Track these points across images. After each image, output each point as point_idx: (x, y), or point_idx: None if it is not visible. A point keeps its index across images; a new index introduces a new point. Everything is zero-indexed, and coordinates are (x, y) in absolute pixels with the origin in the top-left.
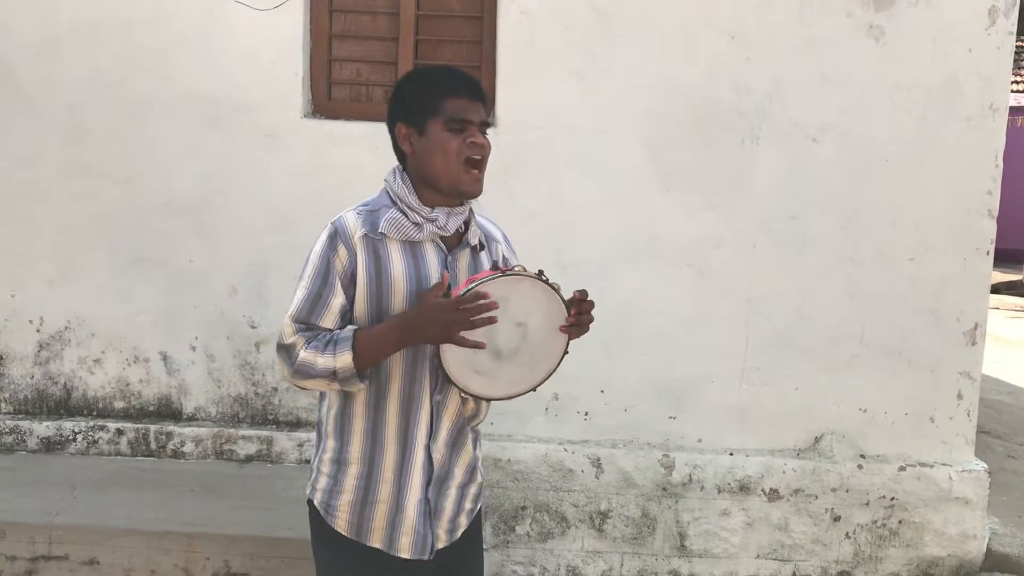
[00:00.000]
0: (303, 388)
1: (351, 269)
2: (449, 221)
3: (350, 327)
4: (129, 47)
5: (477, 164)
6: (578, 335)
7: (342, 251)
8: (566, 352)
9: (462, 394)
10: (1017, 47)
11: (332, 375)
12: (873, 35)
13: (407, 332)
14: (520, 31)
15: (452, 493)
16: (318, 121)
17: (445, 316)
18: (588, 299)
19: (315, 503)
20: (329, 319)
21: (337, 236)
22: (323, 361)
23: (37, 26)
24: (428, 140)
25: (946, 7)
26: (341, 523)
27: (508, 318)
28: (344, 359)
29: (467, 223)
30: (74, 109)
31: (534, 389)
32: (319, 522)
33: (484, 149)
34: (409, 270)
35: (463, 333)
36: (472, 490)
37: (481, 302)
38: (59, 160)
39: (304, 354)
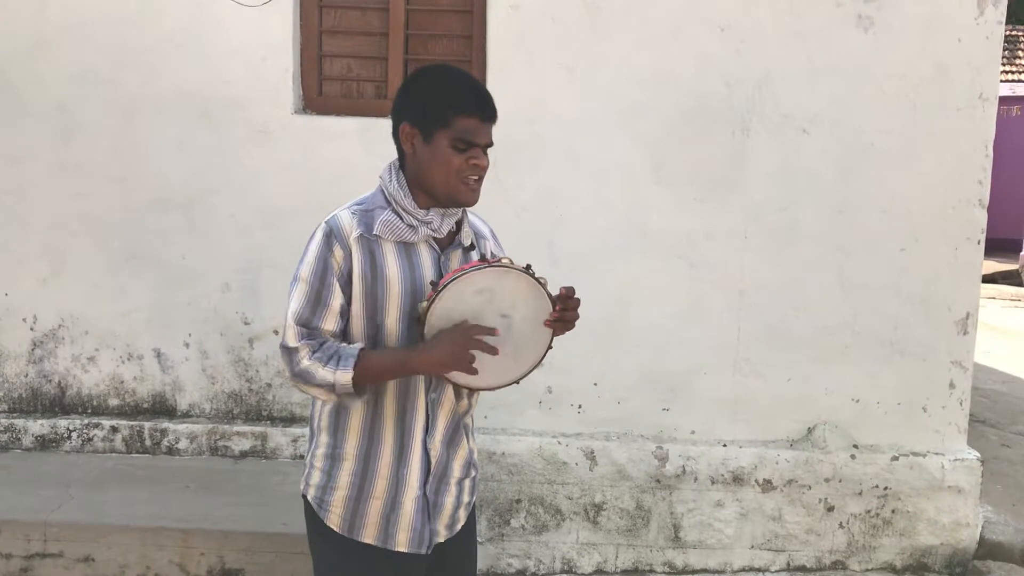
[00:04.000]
0: (301, 391)
1: (347, 268)
2: (443, 223)
3: (357, 344)
4: (119, 45)
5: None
6: (563, 331)
7: (338, 251)
8: (550, 346)
9: (448, 382)
10: (1006, 36)
11: (330, 387)
12: (863, 25)
13: (413, 358)
14: (510, 25)
15: (452, 489)
16: (309, 117)
17: (456, 337)
18: (574, 296)
19: (309, 498)
20: (330, 320)
21: (332, 235)
22: (323, 374)
23: (27, 25)
24: (432, 150)
25: None
26: (334, 519)
27: (493, 309)
28: (344, 376)
29: (459, 223)
30: (65, 107)
31: (517, 381)
32: (313, 517)
33: (484, 170)
34: (404, 270)
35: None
36: (469, 484)
37: (488, 338)
38: (51, 158)
39: (307, 363)
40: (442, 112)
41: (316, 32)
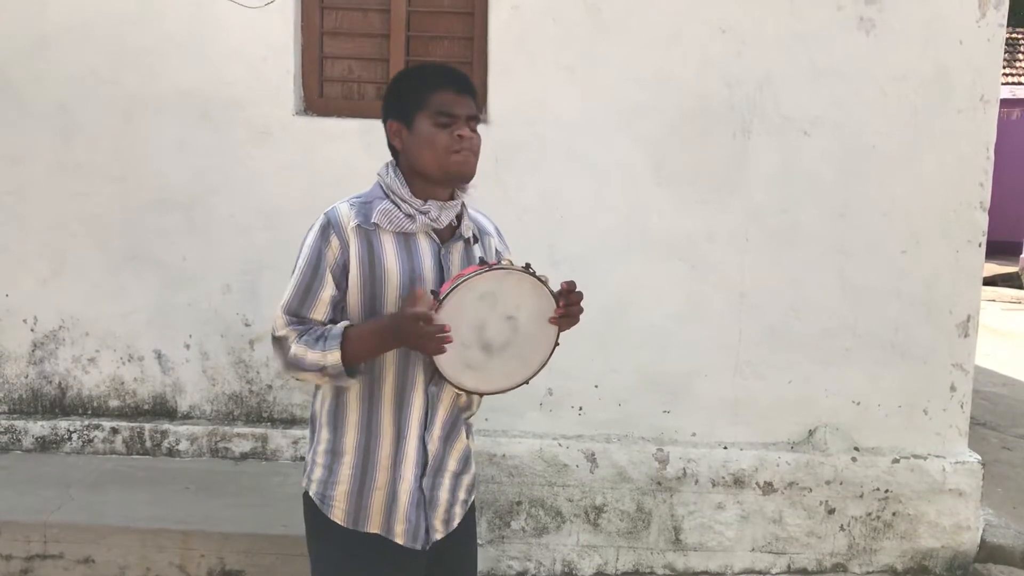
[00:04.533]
0: (298, 380)
1: (343, 259)
2: (442, 214)
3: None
4: (120, 45)
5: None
6: (568, 326)
7: (334, 242)
8: (557, 343)
9: (457, 390)
10: (1008, 39)
11: (321, 370)
12: (864, 28)
13: (390, 336)
14: (511, 26)
15: (447, 483)
16: (310, 118)
17: (417, 328)
18: (576, 290)
19: (311, 495)
20: (320, 311)
21: (330, 227)
22: (312, 356)
23: (28, 25)
24: (416, 135)
25: None
26: (338, 512)
27: (497, 312)
28: (333, 356)
29: (460, 216)
30: (65, 108)
31: (527, 381)
32: (315, 514)
33: (472, 142)
34: (402, 261)
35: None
36: (466, 480)
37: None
38: (51, 159)
39: (295, 348)
40: (416, 95)
41: (317, 33)
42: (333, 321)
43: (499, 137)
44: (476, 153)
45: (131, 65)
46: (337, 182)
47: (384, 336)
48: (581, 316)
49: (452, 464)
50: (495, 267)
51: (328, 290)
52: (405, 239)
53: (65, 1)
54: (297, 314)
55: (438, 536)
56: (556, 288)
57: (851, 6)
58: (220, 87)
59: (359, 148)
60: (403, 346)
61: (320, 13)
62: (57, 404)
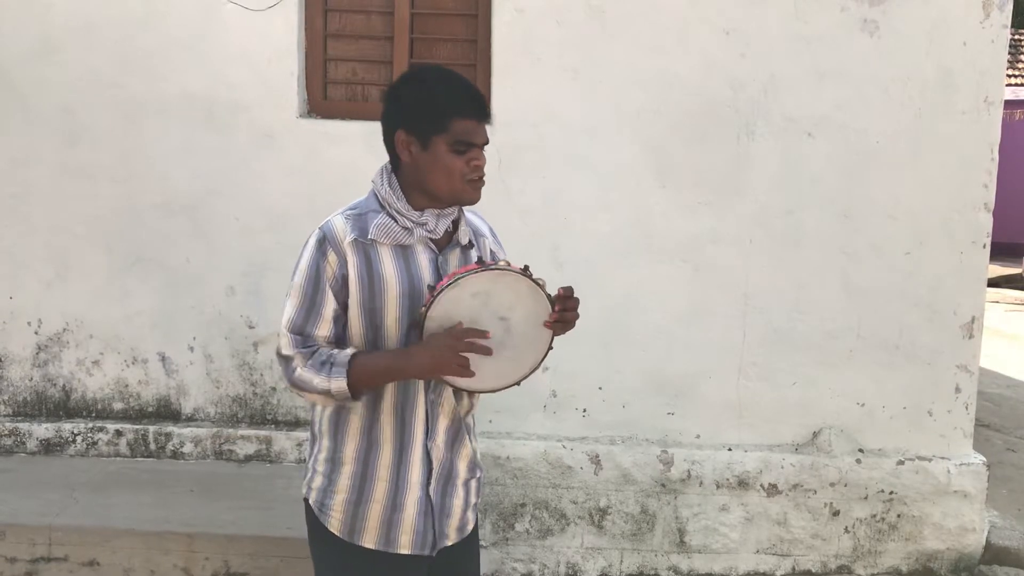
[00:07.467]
0: (301, 397)
1: (341, 273)
2: (439, 224)
3: (349, 350)
4: (124, 48)
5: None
6: (563, 331)
7: (332, 256)
8: (551, 347)
9: (446, 384)
10: (1012, 40)
11: (326, 393)
12: (868, 29)
13: (405, 361)
14: (514, 29)
15: (459, 491)
16: (314, 121)
17: (447, 340)
18: (573, 296)
19: (310, 502)
20: (324, 327)
21: (326, 241)
22: (319, 381)
23: (32, 28)
24: (431, 156)
25: (940, 1)
26: (334, 523)
27: (490, 312)
28: (338, 384)
29: (456, 222)
30: (70, 110)
31: (518, 383)
32: (314, 521)
33: (484, 169)
34: (400, 272)
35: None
36: (475, 485)
37: (480, 341)
38: (55, 161)
39: (301, 371)
40: (438, 118)
41: (321, 36)
42: (338, 336)
43: (502, 139)
44: (484, 178)
45: (135, 68)
46: (341, 184)
47: (398, 369)
48: (577, 322)
49: (463, 471)
50: (491, 267)
51: (330, 306)
52: (403, 250)
53: (69, 4)
54: (302, 332)
55: (448, 543)
56: (554, 291)
57: (855, 8)
58: (224, 90)
59: (363, 150)
60: (418, 372)
61: (324, 16)
62: (61, 407)
